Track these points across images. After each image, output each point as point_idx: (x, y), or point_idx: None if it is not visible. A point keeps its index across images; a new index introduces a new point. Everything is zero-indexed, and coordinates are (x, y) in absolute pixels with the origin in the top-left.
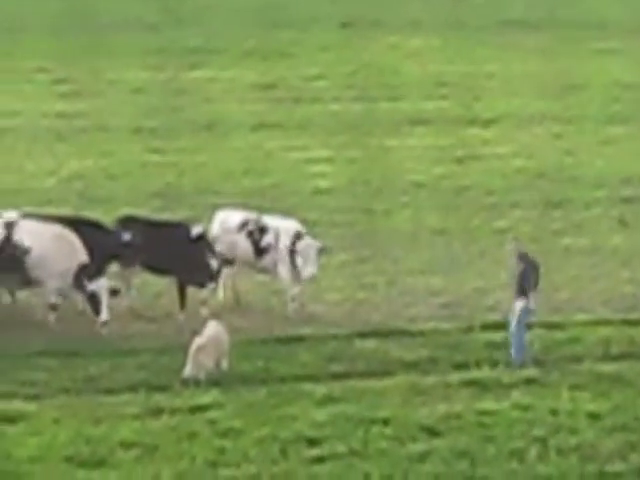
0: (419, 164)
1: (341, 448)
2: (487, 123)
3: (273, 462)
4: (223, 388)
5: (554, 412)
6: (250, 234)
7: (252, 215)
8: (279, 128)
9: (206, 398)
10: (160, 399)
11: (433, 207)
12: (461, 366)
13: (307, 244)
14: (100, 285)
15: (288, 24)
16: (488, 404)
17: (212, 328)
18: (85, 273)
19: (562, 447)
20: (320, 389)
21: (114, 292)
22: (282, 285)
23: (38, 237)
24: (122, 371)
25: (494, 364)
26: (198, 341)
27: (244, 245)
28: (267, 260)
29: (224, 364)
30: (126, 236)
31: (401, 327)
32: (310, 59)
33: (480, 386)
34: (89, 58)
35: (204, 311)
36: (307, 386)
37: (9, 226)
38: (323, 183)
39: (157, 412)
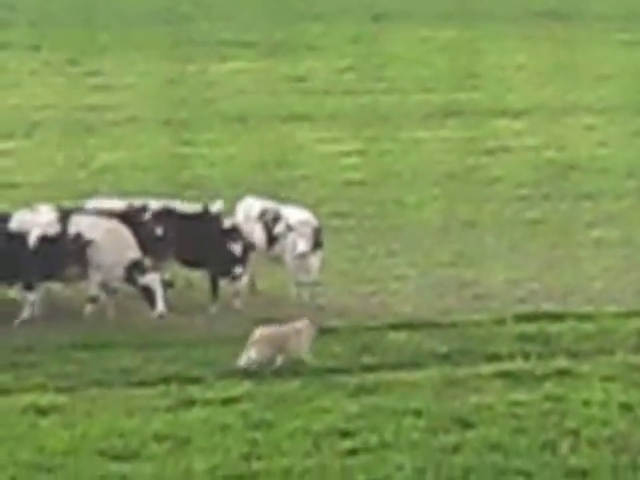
0: (450, 156)
1: (373, 440)
2: (518, 114)
3: (306, 455)
4: (255, 380)
5: (586, 403)
6: (266, 224)
7: (271, 205)
8: (309, 120)
9: (238, 390)
10: (192, 391)
11: (464, 199)
12: (493, 358)
13: (300, 221)
14: (153, 279)
15: (318, 17)
16: (520, 395)
17: (293, 324)
18: (138, 268)
19: (594, 439)
20: (352, 381)
21: (169, 285)
22: (290, 274)
23: (93, 230)
24: (154, 363)
25: (526, 356)
26: (263, 331)
27: (259, 234)
28: (277, 250)
29: (302, 356)
30: (158, 230)
31: (433, 319)
32: (340, 51)
33: (512, 378)
34: (120, 50)
35: (237, 303)
36: (339, 378)
37: (64, 218)
38: (354, 175)
39: (189, 404)
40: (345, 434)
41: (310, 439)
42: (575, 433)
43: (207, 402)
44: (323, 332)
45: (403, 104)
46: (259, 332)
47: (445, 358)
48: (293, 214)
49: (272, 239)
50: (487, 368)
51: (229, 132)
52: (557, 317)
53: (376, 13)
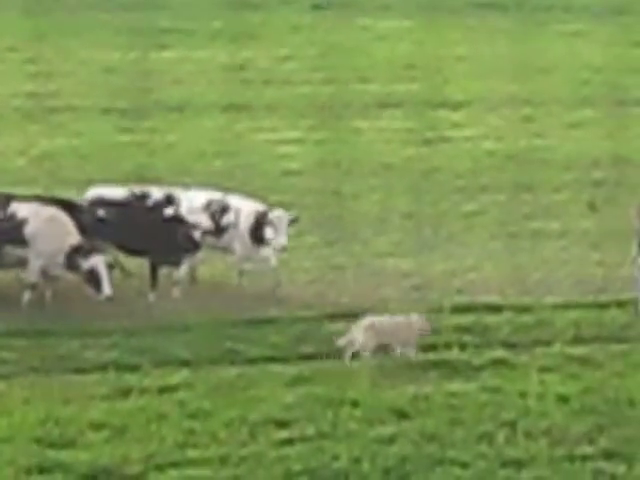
0: (388, 146)
1: (310, 430)
2: (456, 105)
3: (242, 444)
4: (192, 369)
5: (523, 395)
6: (212, 215)
7: (216, 195)
8: (248, 109)
9: (175, 379)
10: (129, 379)
11: (402, 189)
12: (430, 348)
13: (278, 216)
14: (97, 261)
15: (257, 5)
16: (457, 386)
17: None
18: (79, 252)
19: (531, 430)
20: (289, 370)
21: (110, 266)
22: (236, 263)
23: (33, 217)
24: (91, 351)
25: (463, 346)
26: (373, 319)
27: (206, 225)
28: (225, 239)
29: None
30: (100, 213)
31: (370, 309)
32: (279, 41)
33: (449, 368)
34: (59, 38)
35: (176, 292)
36: (276, 367)
37: (3, 204)
38: (292, 165)
39: (126, 392)
40: (282, 424)
41: (247, 428)
42: (512, 424)
43: (144, 390)
44: (260, 321)
45: (342, 94)
46: (369, 320)
47: (382, 348)
48: (245, 205)
49: (220, 229)
50: (424, 358)
51: (168, 121)
52: (495, 308)
53: (315, 2)
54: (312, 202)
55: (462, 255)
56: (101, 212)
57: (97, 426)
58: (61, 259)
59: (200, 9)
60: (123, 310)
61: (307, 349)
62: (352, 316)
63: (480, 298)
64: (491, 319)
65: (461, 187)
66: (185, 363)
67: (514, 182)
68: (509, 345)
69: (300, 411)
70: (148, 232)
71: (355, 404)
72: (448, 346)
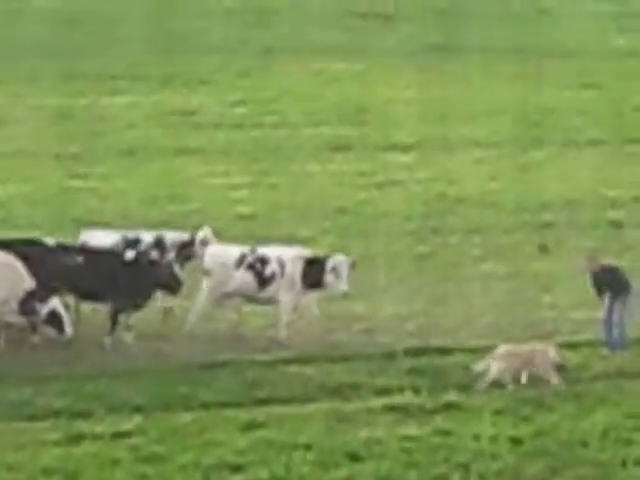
0: (340, 190)
1: (264, 474)
2: (407, 148)
3: None
4: (146, 414)
5: (476, 437)
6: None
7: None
8: (200, 154)
9: (128, 424)
10: (82, 425)
11: (355, 233)
12: (383, 392)
13: (340, 260)
14: (55, 303)
15: (209, 50)
16: (410, 430)
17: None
18: (34, 297)
19: (484, 473)
20: (243, 415)
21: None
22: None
23: None
24: (44, 397)
25: (416, 390)
26: (507, 347)
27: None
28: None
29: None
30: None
31: (323, 353)
32: (231, 85)
33: (402, 412)
34: (10, 83)
35: (128, 337)
36: (230, 412)
37: None
38: (245, 209)
39: (79, 438)
40: (235, 468)
41: (200, 473)
42: (465, 467)
43: (97, 436)
44: (214, 365)
45: (293, 138)
46: (503, 348)
47: (335, 392)
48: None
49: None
50: (377, 402)
51: (120, 166)
52: (446, 351)
53: (267, 47)
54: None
55: (414, 298)
56: (68, 257)
57: (50, 472)
58: (14, 305)
59: (152, 54)
60: (75, 356)
61: (260, 393)
62: (305, 360)
63: (432, 341)
64: (443, 362)
65: (412, 230)
66: (138, 409)
67: (465, 224)
68: (462, 388)
69: (254, 455)
70: (110, 277)
71: (308, 448)
72: (401, 390)
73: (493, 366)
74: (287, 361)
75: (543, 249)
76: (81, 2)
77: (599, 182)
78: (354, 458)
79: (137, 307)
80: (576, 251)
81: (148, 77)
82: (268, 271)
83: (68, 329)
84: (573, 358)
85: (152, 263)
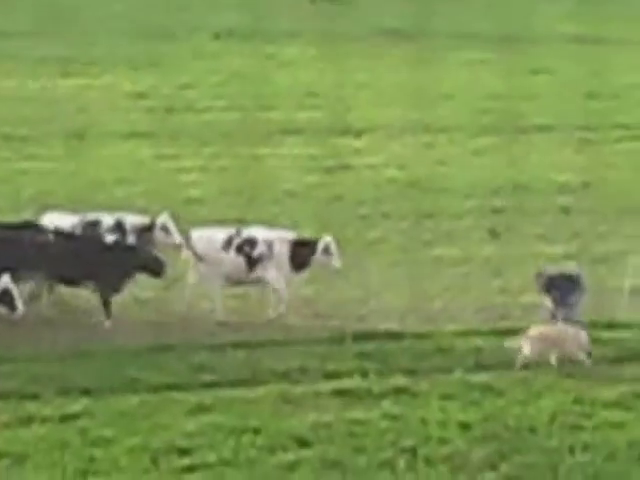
0: (291, 173)
1: (211, 457)
2: (358, 133)
3: (144, 471)
4: (94, 397)
5: (424, 422)
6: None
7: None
8: (151, 137)
9: (77, 407)
10: (30, 408)
11: (305, 217)
12: (331, 376)
13: (329, 241)
14: (6, 281)
15: (161, 34)
16: (358, 414)
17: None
18: None
19: (432, 457)
20: (191, 398)
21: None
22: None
23: None
24: None
25: (364, 374)
26: (539, 328)
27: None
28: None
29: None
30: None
31: (271, 337)
32: (182, 68)
33: (350, 396)
34: None
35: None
36: (178, 395)
37: None
38: (195, 192)
39: (27, 421)
40: (183, 451)
41: (148, 456)
42: (412, 451)
43: (45, 419)
44: (162, 349)
45: (244, 121)
46: (535, 329)
47: (284, 376)
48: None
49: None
50: (325, 386)
51: (70, 148)
52: (396, 336)
53: (218, 30)
54: None
55: (364, 283)
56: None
57: None
58: None
59: (102, 38)
60: (25, 337)
61: (208, 377)
62: (254, 344)
63: (381, 325)
64: (392, 346)
65: (363, 214)
66: (86, 391)
67: (416, 209)
68: (410, 372)
69: (202, 439)
70: (93, 260)
71: (256, 432)
72: (349, 374)
73: (525, 347)
74: (235, 345)
75: (493, 234)
76: None
77: (549, 168)
78: (302, 442)
79: (117, 290)
80: (526, 236)
81: (98, 60)
82: (256, 253)
83: (19, 307)
84: None
85: (133, 247)
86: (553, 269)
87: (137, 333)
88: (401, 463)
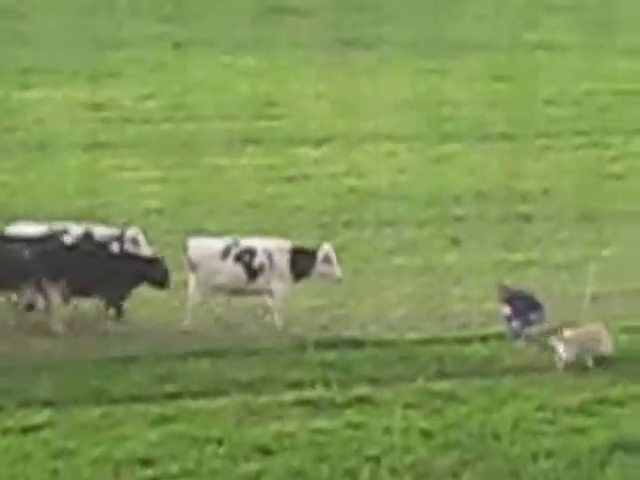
0: (250, 184)
1: (174, 468)
2: (318, 142)
3: None
4: (56, 408)
5: (387, 430)
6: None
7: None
8: (110, 148)
9: (39, 418)
10: None
11: (265, 227)
12: (294, 385)
13: (329, 249)
14: None
15: (118, 44)
16: (321, 423)
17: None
18: None
19: (395, 466)
20: (153, 409)
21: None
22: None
23: None
24: None
25: (327, 383)
26: (572, 331)
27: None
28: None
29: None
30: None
31: (234, 346)
32: (140, 79)
33: (313, 405)
34: None
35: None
36: (140, 406)
37: None
38: (154, 203)
39: None
40: (146, 462)
41: (111, 467)
42: (376, 460)
43: (7, 430)
44: (125, 360)
45: (203, 131)
46: (570, 331)
47: (246, 386)
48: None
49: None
50: (288, 396)
51: (29, 160)
52: (358, 344)
53: (177, 41)
54: (174, 240)
55: (326, 291)
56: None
57: None
58: None
59: (60, 48)
60: None
61: (171, 387)
62: (216, 354)
63: (343, 334)
64: (354, 355)
65: (323, 224)
66: (49, 403)
67: (376, 218)
68: (372, 381)
69: (164, 449)
70: (102, 270)
71: (219, 442)
72: (312, 383)
73: (562, 349)
74: (198, 354)
75: (455, 242)
76: None
77: (509, 175)
78: (265, 452)
79: (123, 299)
80: (487, 244)
81: (57, 71)
82: (257, 262)
83: None
84: (483, 351)
85: (140, 257)
86: (515, 286)
87: (100, 343)
88: (365, 472)
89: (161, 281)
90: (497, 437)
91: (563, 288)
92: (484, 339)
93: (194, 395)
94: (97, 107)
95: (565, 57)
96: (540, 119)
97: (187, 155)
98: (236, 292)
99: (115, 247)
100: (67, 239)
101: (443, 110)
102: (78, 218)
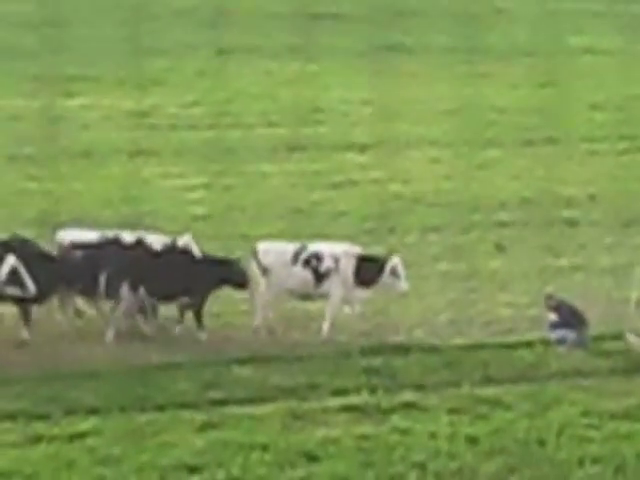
0: (295, 190)
1: (220, 475)
2: (363, 148)
3: None
4: (102, 415)
5: (433, 436)
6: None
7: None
8: (155, 155)
9: (85, 425)
10: (39, 427)
11: (310, 233)
12: (339, 391)
13: (397, 261)
14: (12, 261)
15: (163, 51)
16: (367, 429)
17: None
18: None
19: (441, 471)
20: (199, 416)
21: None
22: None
23: None
24: (1, 399)
25: (372, 389)
26: None
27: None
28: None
29: None
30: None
31: (279, 353)
32: (185, 86)
33: (358, 411)
34: None
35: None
36: (186, 413)
37: None
38: (200, 210)
39: (36, 440)
40: (192, 469)
41: (157, 474)
42: (422, 466)
43: (54, 438)
44: (169, 367)
45: (248, 138)
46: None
47: (292, 392)
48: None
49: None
50: (333, 402)
51: (75, 167)
52: (403, 350)
53: (220, 47)
54: (219, 247)
55: (371, 297)
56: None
57: (6, 474)
58: None
59: (105, 56)
60: (31, 358)
61: (216, 394)
62: (261, 361)
63: (388, 340)
64: (399, 361)
65: (368, 229)
66: (94, 410)
67: (421, 224)
68: (418, 387)
69: (210, 456)
70: (186, 274)
71: (265, 448)
72: (357, 389)
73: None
74: (243, 362)
75: (499, 248)
76: (35, 5)
77: (554, 181)
78: (311, 458)
79: (204, 303)
80: (532, 250)
81: (103, 79)
82: (323, 267)
83: (30, 285)
84: (528, 356)
85: (218, 260)
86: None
87: (144, 351)
88: (410, 478)
89: (242, 282)
90: (542, 443)
91: (608, 293)
92: (529, 344)
93: (239, 402)
94: (142, 114)
95: (609, 62)
96: (585, 124)
97: (232, 162)
98: (304, 296)
99: (197, 252)
100: (155, 245)
101: (487, 116)
102: (122, 225)
